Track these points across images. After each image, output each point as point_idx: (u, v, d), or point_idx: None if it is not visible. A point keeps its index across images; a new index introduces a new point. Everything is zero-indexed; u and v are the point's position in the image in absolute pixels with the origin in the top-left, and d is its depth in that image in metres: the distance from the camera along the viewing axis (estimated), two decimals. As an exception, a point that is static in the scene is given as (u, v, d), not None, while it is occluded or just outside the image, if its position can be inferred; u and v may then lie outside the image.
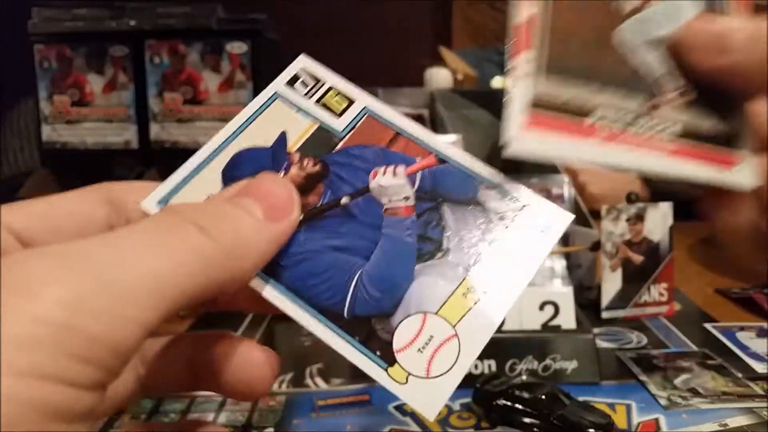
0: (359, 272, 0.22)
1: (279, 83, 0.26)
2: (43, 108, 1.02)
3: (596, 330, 0.59)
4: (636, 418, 0.46)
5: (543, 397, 0.44)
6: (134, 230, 0.18)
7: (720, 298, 0.73)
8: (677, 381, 0.51)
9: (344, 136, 0.25)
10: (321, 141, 0.25)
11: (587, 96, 0.23)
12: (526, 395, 0.44)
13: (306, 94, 0.26)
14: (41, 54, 1.01)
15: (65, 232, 0.21)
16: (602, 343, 0.59)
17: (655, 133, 0.24)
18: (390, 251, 0.23)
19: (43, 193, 0.22)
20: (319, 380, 0.53)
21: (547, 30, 0.22)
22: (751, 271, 0.72)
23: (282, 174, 0.24)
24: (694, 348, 0.59)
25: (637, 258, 0.66)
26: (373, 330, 0.22)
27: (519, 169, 0.81)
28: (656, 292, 0.67)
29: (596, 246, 0.65)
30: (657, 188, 1.11)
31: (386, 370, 0.21)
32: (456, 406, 0.48)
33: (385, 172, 0.24)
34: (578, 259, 0.69)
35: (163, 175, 0.23)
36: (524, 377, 0.49)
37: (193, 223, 0.18)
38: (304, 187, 0.24)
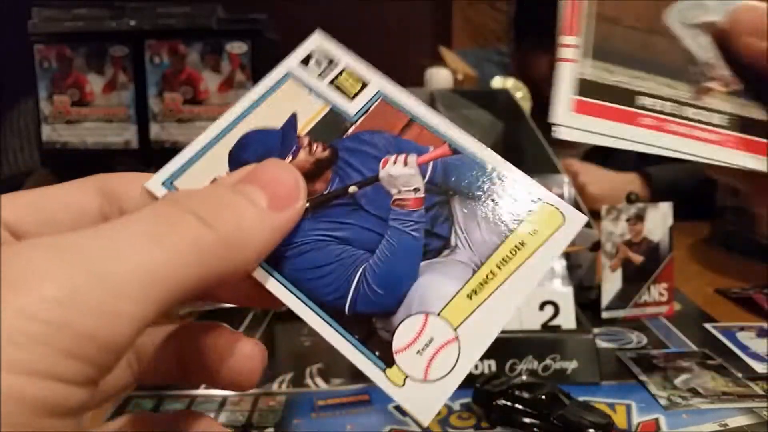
0: (363, 267, 0.22)
1: (292, 62, 0.25)
2: (43, 108, 1.02)
3: (596, 330, 0.59)
4: (636, 418, 0.46)
5: (543, 397, 0.44)
6: (130, 221, 0.17)
7: (720, 298, 0.73)
8: (677, 381, 0.51)
9: (356, 121, 0.24)
10: (332, 124, 0.24)
11: (633, 81, 0.23)
12: (526, 395, 0.44)
13: (319, 74, 0.25)
14: (41, 54, 1.01)
15: (58, 224, 0.21)
16: (602, 343, 0.59)
17: (700, 120, 0.24)
18: (396, 246, 0.22)
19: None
20: (319, 380, 0.53)
21: (592, 15, 0.23)
22: None
23: (290, 158, 0.23)
24: (694, 348, 0.59)
25: (637, 258, 0.66)
26: (373, 329, 0.21)
27: (519, 169, 0.81)
28: (656, 292, 0.67)
29: (596, 246, 0.65)
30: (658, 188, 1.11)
31: (384, 371, 0.21)
32: (456, 406, 0.48)
33: (395, 161, 0.23)
34: (578, 259, 0.69)
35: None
36: (524, 377, 0.49)
37: (193, 213, 0.18)
38: (312, 173, 0.23)
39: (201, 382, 0.23)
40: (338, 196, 0.23)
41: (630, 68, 0.23)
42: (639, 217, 0.66)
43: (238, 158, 0.23)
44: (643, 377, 0.52)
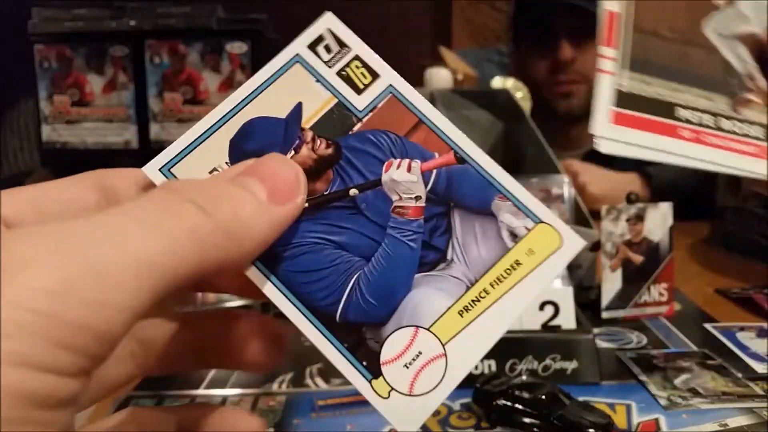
0: (357, 274, 0.21)
1: (301, 44, 0.23)
2: (43, 108, 1.02)
3: (596, 330, 0.59)
4: (636, 418, 0.46)
5: (543, 397, 0.44)
6: (127, 209, 0.17)
7: (720, 298, 0.73)
8: (677, 381, 0.51)
9: (363, 117, 0.23)
10: (337, 119, 0.23)
11: (671, 94, 0.23)
12: (526, 395, 0.44)
13: (328, 61, 0.23)
14: (41, 54, 1.01)
15: (57, 219, 0.21)
16: (602, 343, 0.59)
17: (736, 132, 0.23)
18: (392, 256, 0.22)
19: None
20: (319, 380, 0.53)
21: (629, 27, 0.23)
22: None
23: (292, 153, 0.22)
24: (694, 348, 0.59)
25: (637, 258, 0.66)
26: (362, 338, 0.21)
27: (519, 169, 0.81)
28: (656, 292, 0.67)
29: (596, 246, 0.65)
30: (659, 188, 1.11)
31: (370, 382, 0.20)
32: (456, 406, 0.48)
33: (399, 166, 0.22)
34: (578, 259, 0.69)
35: (162, 176, 0.23)
36: (524, 377, 0.49)
37: (191, 201, 0.18)
38: (313, 170, 0.22)
39: (217, 367, 0.23)
40: (338, 198, 0.22)
41: (667, 80, 0.23)
42: (639, 217, 0.66)
43: (238, 148, 0.22)
44: (643, 377, 0.52)
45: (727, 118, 0.24)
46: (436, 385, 0.20)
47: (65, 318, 0.14)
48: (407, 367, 0.20)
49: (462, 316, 0.21)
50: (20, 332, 0.14)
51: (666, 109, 0.23)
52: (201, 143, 0.22)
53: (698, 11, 0.24)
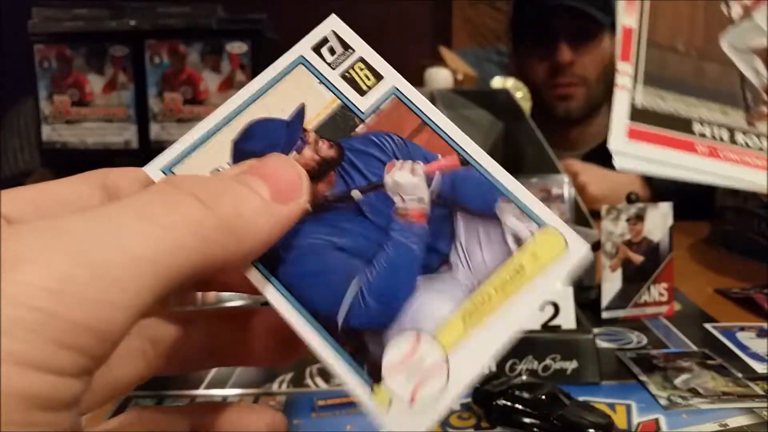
0: (359, 278, 0.21)
1: (304, 46, 0.23)
2: (43, 108, 1.02)
3: (596, 330, 0.59)
4: (636, 418, 0.46)
5: (543, 397, 0.44)
6: (127, 204, 0.17)
7: (720, 298, 0.73)
8: (677, 381, 0.51)
9: (366, 119, 0.23)
10: (341, 121, 0.23)
11: (687, 108, 0.23)
12: (526, 395, 0.44)
13: (332, 63, 0.23)
14: (41, 54, 1.01)
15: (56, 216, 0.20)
16: (602, 343, 0.59)
17: (753, 147, 0.23)
18: (395, 259, 0.21)
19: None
20: (319, 380, 0.53)
21: (643, 43, 0.23)
22: None
23: (294, 154, 0.22)
24: (694, 348, 0.59)
25: (637, 258, 0.66)
26: (363, 343, 0.20)
27: (519, 169, 0.81)
28: (656, 292, 0.67)
29: (596, 246, 0.65)
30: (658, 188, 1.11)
31: (371, 387, 0.20)
32: (456, 406, 0.48)
33: (402, 167, 0.22)
34: (578, 259, 0.69)
35: (162, 176, 0.22)
36: (524, 377, 0.49)
37: (193, 195, 0.17)
38: (316, 172, 0.22)
39: (231, 364, 0.23)
40: (340, 200, 0.22)
41: (683, 94, 0.23)
42: (639, 217, 0.66)
43: (241, 148, 0.22)
44: (643, 377, 0.52)
45: (743, 132, 0.24)
46: (438, 395, 0.20)
47: (65, 317, 0.14)
48: (409, 375, 0.20)
49: (465, 323, 0.20)
50: (20, 331, 0.14)
51: (682, 123, 0.23)
52: (203, 144, 0.22)
53: (713, 26, 0.24)
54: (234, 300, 0.60)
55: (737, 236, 0.93)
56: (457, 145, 0.22)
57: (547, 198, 0.71)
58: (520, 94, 1.01)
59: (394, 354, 0.20)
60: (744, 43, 0.24)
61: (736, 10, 0.24)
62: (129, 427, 0.22)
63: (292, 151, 0.22)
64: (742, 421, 0.45)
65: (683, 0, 0.24)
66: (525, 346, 0.52)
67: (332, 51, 0.23)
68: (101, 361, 0.15)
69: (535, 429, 0.43)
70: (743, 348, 0.58)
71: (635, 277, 0.66)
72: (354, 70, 0.23)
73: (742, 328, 0.63)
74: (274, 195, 0.19)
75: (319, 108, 0.23)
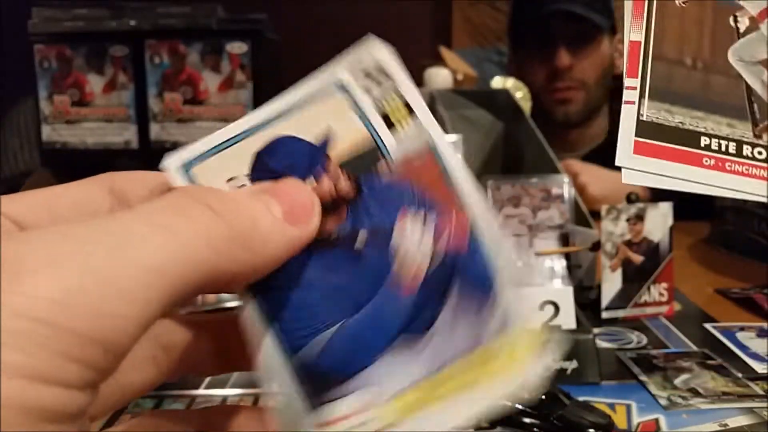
0: (340, 323, 0.21)
1: (343, 70, 0.22)
2: (43, 108, 1.02)
3: (596, 330, 0.59)
4: (636, 418, 0.46)
5: (543, 397, 0.44)
6: (140, 212, 0.17)
7: (720, 298, 0.73)
8: (677, 381, 0.51)
9: (391, 158, 0.22)
10: (366, 156, 0.22)
11: (694, 122, 0.23)
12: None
13: (368, 91, 0.22)
14: (41, 54, 1.01)
15: (64, 222, 0.20)
16: (602, 343, 0.59)
17: (756, 158, 0.24)
18: (377, 317, 0.21)
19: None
20: (319, 380, 0.52)
21: (648, 57, 0.23)
22: None
23: (312, 180, 0.22)
24: (694, 348, 0.59)
25: (637, 258, 0.66)
26: (320, 387, 0.20)
27: (519, 169, 0.81)
28: (656, 292, 0.67)
29: (596, 246, 0.65)
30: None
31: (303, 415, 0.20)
32: None
33: (412, 229, 0.21)
34: (578, 259, 0.69)
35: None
36: (524, 377, 0.49)
37: (207, 204, 0.17)
38: (329, 205, 0.21)
39: (242, 369, 0.23)
40: (345, 242, 0.21)
41: (689, 108, 0.23)
42: (639, 217, 0.66)
43: (262, 161, 0.22)
44: (643, 377, 0.52)
45: (751, 144, 0.24)
46: None
47: (71, 328, 0.14)
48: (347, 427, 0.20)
49: (420, 400, 0.20)
50: (25, 343, 0.13)
51: (689, 137, 0.23)
52: (226, 148, 0.22)
53: (720, 38, 0.24)
54: (235, 300, 0.60)
55: (737, 236, 0.93)
56: (472, 216, 0.22)
57: (547, 198, 0.71)
58: (520, 94, 1.01)
59: (342, 408, 0.20)
60: (751, 56, 0.24)
61: (743, 23, 0.24)
62: (139, 429, 0.21)
63: (310, 176, 0.22)
64: (742, 421, 0.45)
65: (690, 13, 0.24)
66: (525, 346, 0.52)
67: (370, 78, 0.23)
68: (108, 374, 0.15)
69: (535, 429, 0.43)
70: (743, 348, 0.58)
71: (635, 277, 0.66)
72: (388, 103, 0.22)
73: (742, 328, 0.63)
74: (287, 216, 0.19)
75: (346, 138, 0.22)
